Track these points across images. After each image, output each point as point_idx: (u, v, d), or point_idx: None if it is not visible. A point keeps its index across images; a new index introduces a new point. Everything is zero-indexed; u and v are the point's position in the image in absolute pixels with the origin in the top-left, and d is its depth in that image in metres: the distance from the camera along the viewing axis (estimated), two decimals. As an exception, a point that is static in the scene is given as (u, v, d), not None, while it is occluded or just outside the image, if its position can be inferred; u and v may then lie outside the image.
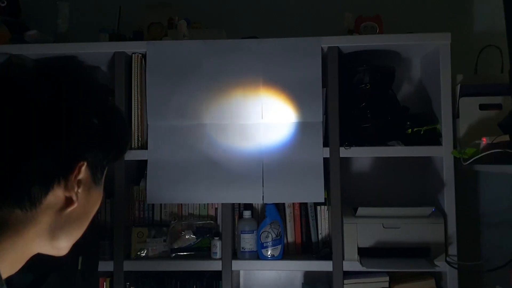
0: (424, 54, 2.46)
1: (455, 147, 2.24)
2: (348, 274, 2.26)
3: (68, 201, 0.90)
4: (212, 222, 2.41)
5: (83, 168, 0.90)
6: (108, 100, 0.97)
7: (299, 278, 2.56)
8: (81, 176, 0.90)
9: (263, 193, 2.26)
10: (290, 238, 2.41)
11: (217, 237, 2.34)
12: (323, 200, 2.27)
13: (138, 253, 2.36)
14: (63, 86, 0.89)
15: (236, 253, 2.37)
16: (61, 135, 0.86)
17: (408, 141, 2.27)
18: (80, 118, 0.89)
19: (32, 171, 0.84)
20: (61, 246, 0.94)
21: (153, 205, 2.43)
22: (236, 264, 2.32)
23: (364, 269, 2.16)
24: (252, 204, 2.43)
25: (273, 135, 2.27)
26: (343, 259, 2.23)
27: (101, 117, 0.92)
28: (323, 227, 2.38)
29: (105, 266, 2.29)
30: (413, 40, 2.27)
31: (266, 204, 2.35)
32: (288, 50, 2.28)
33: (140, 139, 2.32)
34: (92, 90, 0.94)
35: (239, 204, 2.41)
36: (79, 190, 0.91)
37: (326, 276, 2.45)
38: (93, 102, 0.93)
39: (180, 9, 2.54)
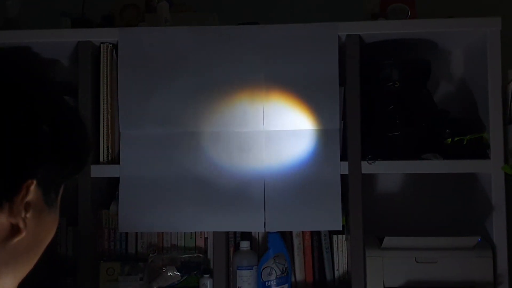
0: (468, 44, 2.46)
1: (506, 161, 2.22)
2: (373, 322, 2.24)
3: (14, 229, 0.89)
4: (200, 255, 2.40)
5: (32, 187, 0.88)
6: (64, 101, 0.96)
7: (310, 327, 2.55)
8: (29, 197, 0.89)
9: (265, 219, 2.25)
10: (299, 275, 2.40)
11: (207, 274, 2.33)
12: (340, 228, 2.26)
13: (108, 294, 2.35)
14: (6, 85, 0.89)
15: (231, 295, 2.36)
16: (2, 147, 0.85)
17: (448, 154, 2.27)
18: (26, 125, 0.88)
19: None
20: (5, 285, 0.93)
21: (126, 234, 2.42)
22: (231, 309, 2.31)
23: (392, 315, 2.16)
24: (252, 233, 2.42)
25: (277, 147, 2.26)
26: (366, 302, 2.22)
27: (52, 122, 0.91)
28: (341, 262, 2.37)
29: (66, 311, 2.28)
30: (453, 27, 2.27)
31: (268, 233, 2.34)
32: (297, 39, 2.28)
33: (110, 151, 2.31)
34: (42, 89, 0.93)
35: (235, 233, 2.41)
36: (28, 215, 0.89)
37: (344, 324, 2.44)
38: (43, 104, 0.92)
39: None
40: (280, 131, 2.27)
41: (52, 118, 0.92)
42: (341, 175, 2.24)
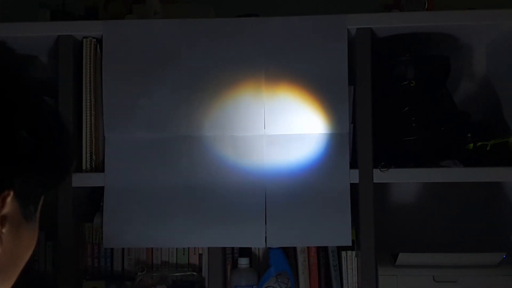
0: (492, 39, 2.46)
1: (534, 168, 2.23)
2: None
3: (-11, 246, 0.88)
4: (194, 273, 2.39)
5: (9, 199, 0.88)
6: (44, 103, 0.96)
7: None
8: (5, 210, 0.89)
9: (266, 233, 2.25)
10: (304, 296, 2.40)
11: (201, 294, 2.32)
12: (350, 243, 2.26)
13: (91, 317, 2.35)
14: None
15: (228, 318, 2.36)
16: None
17: (469, 161, 2.27)
18: (2, 130, 0.88)
19: None
20: (-19, 308, 0.93)
21: (112, 250, 2.42)
22: (228, 333, 2.31)
23: None
24: (251, 248, 2.42)
25: (279, 153, 2.26)
26: (378, 326, 2.22)
27: (32, 127, 0.91)
28: (350, 281, 2.36)
29: (44, 335, 2.27)
30: (476, 20, 2.26)
31: (270, 248, 2.34)
32: (301, 33, 2.28)
33: (94, 157, 2.31)
34: (20, 90, 0.93)
35: (233, 248, 2.40)
36: (4, 230, 0.89)
37: None
38: (21, 106, 0.91)
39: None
40: (283, 136, 2.26)
41: (31, 123, 0.91)
42: (351, 184, 2.24)
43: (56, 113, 0.99)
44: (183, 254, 2.42)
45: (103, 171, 2.29)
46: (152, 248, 2.41)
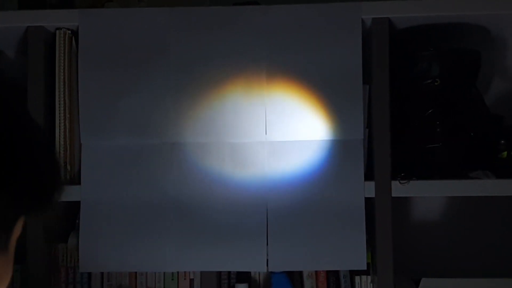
0: (529, 30, 2.46)
1: None
2: None
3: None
4: (185, 301, 2.40)
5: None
6: (20, 107, 0.96)
7: None
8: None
9: (267, 255, 2.24)
10: (311, 327, 2.39)
11: (193, 326, 2.33)
12: (364, 267, 2.25)
13: None
14: None
15: None
16: None
17: (503, 171, 2.26)
18: None
19: None
20: None
21: (89, 274, 2.41)
22: None
23: None
24: (250, 273, 2.41)
25: (283, 162, 2.25)
26: None
27: (5, 136, 0.90)
28: (365, 310, 2.37)
29: None
30: (510, 9, 2.27)
31: (272, 273, 2.33)
32: (308, 24, 2.27)
33: (69, 168, 2.30)
34: None
35: (229, 273, 2.39)
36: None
37: None
38: None
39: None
40: (287, 142, 2.26)
41: (4, 130, 0.90)
42: (366, 198, 2.23)
43: (33, 120, 0.98)
44: (172, 279, 2.41)
45: (79, 183, 2.29)
46: (136, 272, 2.40)
